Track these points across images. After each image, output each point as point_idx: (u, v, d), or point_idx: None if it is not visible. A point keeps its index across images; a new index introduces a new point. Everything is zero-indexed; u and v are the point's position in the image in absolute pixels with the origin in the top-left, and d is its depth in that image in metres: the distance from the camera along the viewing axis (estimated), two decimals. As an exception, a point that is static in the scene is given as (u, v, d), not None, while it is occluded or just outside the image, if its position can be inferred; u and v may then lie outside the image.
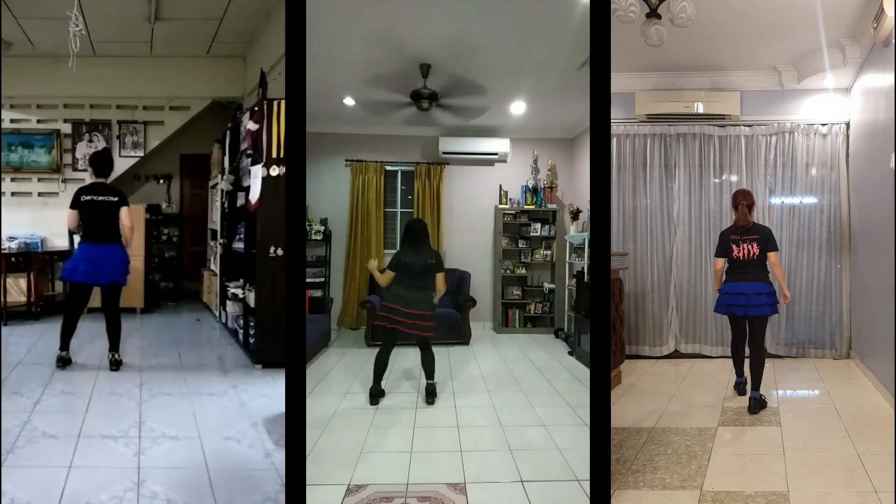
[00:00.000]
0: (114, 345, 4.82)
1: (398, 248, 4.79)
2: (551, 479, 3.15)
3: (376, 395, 4.56)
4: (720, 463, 3.18)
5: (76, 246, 4.90)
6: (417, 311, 4.45)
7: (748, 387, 4.16)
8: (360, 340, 7.11)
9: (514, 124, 7.82)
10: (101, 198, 4.78)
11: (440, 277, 4.62)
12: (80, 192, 4.83)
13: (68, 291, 4.91)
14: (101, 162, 4.98)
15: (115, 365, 4.75)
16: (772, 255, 4.10)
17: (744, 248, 4.09)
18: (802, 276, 5.56)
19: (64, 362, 4.73)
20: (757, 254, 4.06)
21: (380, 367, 4.60)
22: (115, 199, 4.81)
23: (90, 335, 5.92)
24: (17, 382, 4.32)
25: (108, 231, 4.77)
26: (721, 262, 4.24)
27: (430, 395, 4.58)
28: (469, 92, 6.32)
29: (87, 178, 7.42)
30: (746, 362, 4.26)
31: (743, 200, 4.14)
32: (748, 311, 4.05)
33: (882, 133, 4.34)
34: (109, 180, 5.06)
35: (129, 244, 4.89)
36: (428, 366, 4.68)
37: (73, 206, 4.79)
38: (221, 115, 7.51)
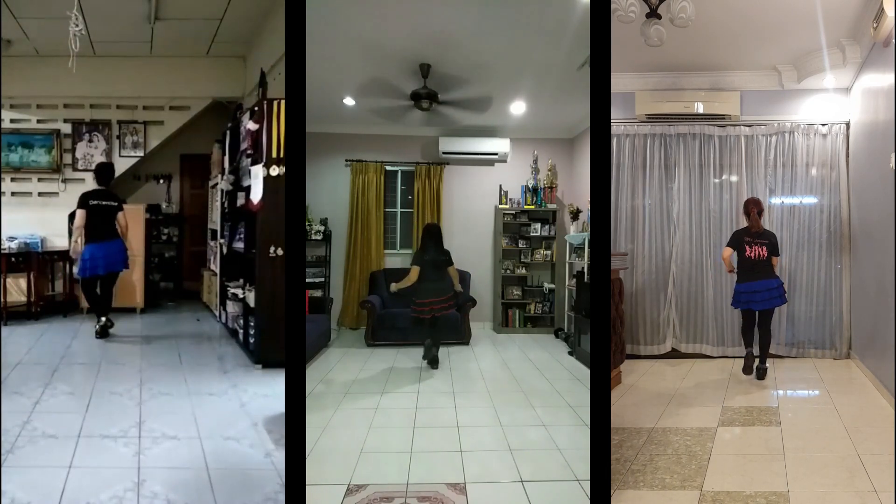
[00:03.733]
0: (106, 311, 5.91)
1: (418, 249, 5.98)
2: (551, 479, 3.15)
3: (435, 359, 5.76)
4: (720, 463, 3.18)
5: (81, 246, 5.79)
6: (445, 295, 5.73)
7: (755, 363, 4.76)
8: (360, 340, 7.12)
9: (514, 124, 7.82)
10: (105, 202, 5.83)
11: (453, 270, 5.80)
12: (87, 196, 5.82)
13: (82, 283, 6.00)
14: (105, 173, 6.04)
15: (105, 329, 5.81)
16: (775, 260, 4.78)
17: (755, 250, 4.68)
18: (802, 276, 5.56)
19: (102, 328, 5.82)
20: (765, 256, 4.69)
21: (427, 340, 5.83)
22: (115, 203, 5.91)
23: (89, 335, 5.93)
24: (17, 382, 4.32)
25: (111, 230, 5.84)
26: (729, 251, 4.80)
27: (434, 362, 5.70)
28: (469, 92, 6.32)
29: (88, 179, 7.49)
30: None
31: (755, 208, 4.74)
32: (765, 304, 4.69)
33: (882, 133, 4.34)
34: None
35: (126, 239, 6.00)
36: (436, 340, 5.77)
37: (82, 207, 5.74)
38: (221, 115, 7.51)
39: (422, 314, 5.67)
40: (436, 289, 5.68)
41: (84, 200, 5.77)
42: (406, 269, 8.09)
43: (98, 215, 5.77)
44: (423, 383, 5.15)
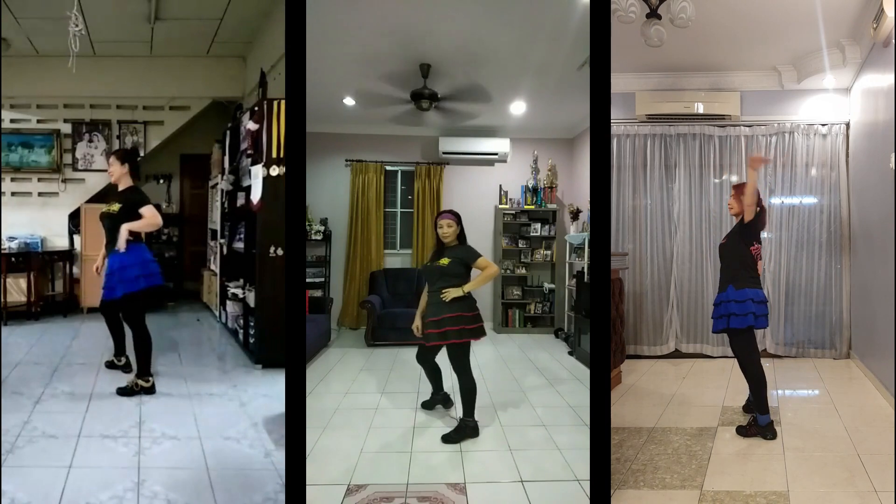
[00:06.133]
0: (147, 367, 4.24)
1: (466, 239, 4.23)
2: (551, 479, 3.15)
3: (435, 402, 4.30)
4: (720, 463, 3.18)
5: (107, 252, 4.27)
6: (450, 314, 3.79)
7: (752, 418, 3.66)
8: (360, 340, 7.12)
9: (514, 124, 7.82)
10: None
11: (482, 262, 3.94)
12: (146, 194, 4.43)
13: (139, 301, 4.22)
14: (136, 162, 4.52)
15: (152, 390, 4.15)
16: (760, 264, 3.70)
17: (758, 250, 3.64)
18: (802, 276, 5.56)
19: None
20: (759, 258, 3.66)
21: (433, 375, 4.29)
22: None
23: (89, 335, 5.93)
24: (17, 382, 4.32)
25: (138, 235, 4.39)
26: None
27: (464, 433, 3.69)
28: (469, 92, 6.32)
29: (88, 179, 7.48)
30: None
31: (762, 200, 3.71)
32: (745, 321, 3.51)
33: (882, 133, 4.34)
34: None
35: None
36: (467, 396, 3.81)
37: (150, 203, 4.31)
38: (221, 115, 7.51)
39: (425, 339, 3.96)
40: (432, 306, 3.91)
41: (147, 198, 4.36)
42: (406, 268, 8.21)
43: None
44: (422, 383, 5.14)
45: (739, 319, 3.50)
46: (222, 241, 6.55)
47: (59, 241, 7.34)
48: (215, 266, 7.04)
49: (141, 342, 4.20)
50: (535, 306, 8.06)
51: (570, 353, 6.50)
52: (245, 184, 5.54)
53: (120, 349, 4.66)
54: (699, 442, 3.48)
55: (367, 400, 4.62)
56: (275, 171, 4.87)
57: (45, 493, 2.67)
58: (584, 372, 5.62)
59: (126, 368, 4.51)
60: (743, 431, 3.58)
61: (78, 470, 2.93)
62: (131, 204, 4.22)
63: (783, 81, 5.46)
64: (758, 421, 3.54)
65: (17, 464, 2.97)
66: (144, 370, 4.16)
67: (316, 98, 6.62)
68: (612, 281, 4.86)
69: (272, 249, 4.94)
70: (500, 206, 8.10)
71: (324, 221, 8.00)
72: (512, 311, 8.05)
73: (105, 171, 7.15)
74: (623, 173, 5.77)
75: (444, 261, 3.96)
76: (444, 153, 7.96)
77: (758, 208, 3.61)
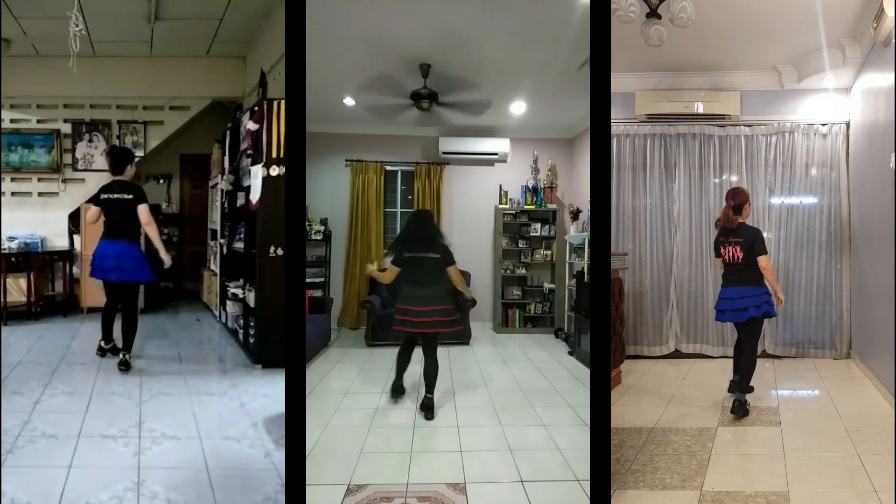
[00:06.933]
0: (127, 345, 4.76)
1: (397, 240, 4.56)
2: (551, 479, 3.15)
3: (396, 389, 4.60)
4: (720, 463, 3.18)
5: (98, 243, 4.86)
6: (436, 306, 4.22)
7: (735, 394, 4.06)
8: (360, 340, 7.12)
9: (514, 124, 7.82)
10: (116, 196, 4.74)
11: (454, 272, 4.32)
12: (100, 190, 4.91)
13: (105, 289, 4.99)
14: (117, 159, 4.93)
15: (125, 366, 4.65)
16: (761, 260, 3.93)
17: (728, 251, 4.01)
18: (802, 276, 5.56)
19: (104, 352, 5.02)
20: (742, 258, 3.94)
21: (401, 364, 4.62)
22: (130, 196, 4.74)
23: (89, 335, 5.92)
24: (17, 382, 4.32)
25: (122, 228, 4.74)
26: (720, 262, 4.18)
27: (429, 410, 4.18)
28: (469, 92, 6.32)
29: (88, 179, 7.49)
30: None
31: (730, 201, 4.01)
32: (736, 315, 3.96)
33: (882, 133, 4.34)
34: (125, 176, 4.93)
35: (154, 241, 4.87)
36: (430, 377, 4.33)
37: (93, 202, 4.94)
38: (221, 115, 7.51)
39: (403, 326, 4.30)
40: (423, 297, 4.24)
41: (97, 195, 4.87)
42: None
43: (109, 211, 4.75)
44: (422, 384, 5.13)
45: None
46: (222, 241, 6.55)
47: (59, 241, 7.34)
48: (215, 266, 7.04)
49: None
50: (535, 306, 8.06)
51: (570, 353, 6.50)
52: (245, 184, 5.54)
53: (123, 342, 4.88)
54: (699, 442, 3.48)
55: (367, 400, 4.62)
56: (275, 171, 4.87)
57: (45, 493, 2.67)
58: (584, 372, 5.62)
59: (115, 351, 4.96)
60: (738, 412, 3.90)
61: (78, 470, 2.93)
62: None
63: (783, 81, 5.46)
64: (739, 398, 3.97)
65: (17, 464, 2.97)
66: (130, 347, 4.81)
67: (316, 98, 6.62)
68: (612, 281, 4.86)
69: (272, 249, 4.94)
70: (500, 206, 8.10)
71: (324, 221, 8.01)
72: (512, 311, 8.05)
73: (105, 170, 7.22)
74: (623, 173, 5.76)
75: (436, 254, 4.48)
76: (444, 153, 7.96)
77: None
